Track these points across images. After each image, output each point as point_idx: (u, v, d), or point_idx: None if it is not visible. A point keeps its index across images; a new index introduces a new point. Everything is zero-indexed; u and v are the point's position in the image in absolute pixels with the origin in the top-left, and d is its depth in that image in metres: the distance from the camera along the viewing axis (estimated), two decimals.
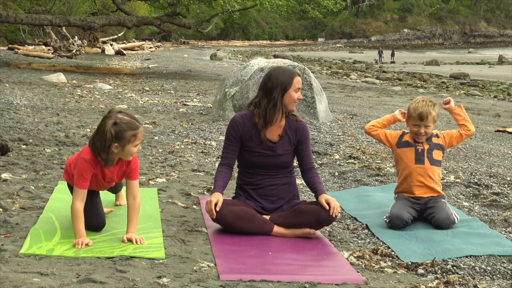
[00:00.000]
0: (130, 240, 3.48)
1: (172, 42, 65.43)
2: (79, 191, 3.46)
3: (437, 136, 4.35)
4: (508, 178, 5.71)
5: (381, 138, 4.43)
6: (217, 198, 3.76)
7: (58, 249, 3.29)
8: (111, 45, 35.86)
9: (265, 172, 3.98)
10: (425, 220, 4.25)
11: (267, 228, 3.83)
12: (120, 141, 3.40)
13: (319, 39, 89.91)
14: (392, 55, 43.77)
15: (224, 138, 4.08)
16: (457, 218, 4.18)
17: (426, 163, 4.25)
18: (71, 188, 3.69)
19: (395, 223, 4.08)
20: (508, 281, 3.27)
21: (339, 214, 3.92)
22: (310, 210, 3.81)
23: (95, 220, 3.65)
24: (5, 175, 4.81)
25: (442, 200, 4.26)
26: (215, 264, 3.25)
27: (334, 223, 4.17)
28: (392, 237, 3.94)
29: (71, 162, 3.72)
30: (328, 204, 3.75)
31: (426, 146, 4.28)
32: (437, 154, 4.30)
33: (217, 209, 3.72)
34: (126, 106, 9.97)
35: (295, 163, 4.28)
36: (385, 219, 4.19)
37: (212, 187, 4.94)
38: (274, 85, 3.85)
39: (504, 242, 3.84)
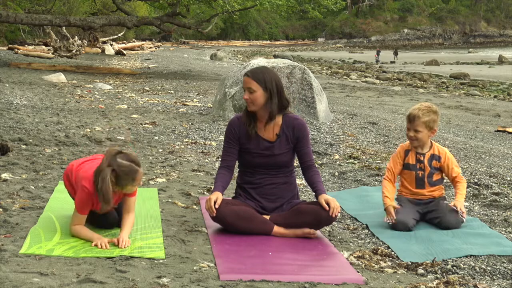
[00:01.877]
0: (117, 242, 3.41)
1: (172, 42, 65.41)
2: (79, 217, 3.53)
3: (439, 159, 4.26)
4: (508, 178, 5.71)
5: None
6: (216, 196, 3.77)
7: (58, 249, 3.29)
8: (111, 45, 35.86)
9: (265, 172, 3.99)
10: (427, 222, 4.24)
11: (267, 228, 3.83)
12: (119, 185, 3.44)
13: (319, 39, 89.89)
14: (396, 54, 43.77)
15: (223, 140, 4.09)
16: (465, 218, 4.19)
17: (426, 187, 4.26)
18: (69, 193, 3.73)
19: (399, 229, 4.06)
20: (508, 281, 3.27)
21: (339, 214, 3.92)
22: (310, 210, 3.81)
23: (108, 218, 3.67)
24: (5, 175, 4.81)
25: (444, 202, 4.26)
26: (215, 264, 3.25)
27: (334, 223, 4.16)
28: (392, 237, 3.94)
29: (73, 170, 3.69)
30: (328, 204, 3.75)
31: (427, 171, 4.24)
32: (436, 176, 4.29)
33: (216, 206, 3.72)
34: (126, 106, 9.97)
35: (296, 162, 4.28)
36: (388, 221, 4.16)
37: (212, 187, 4.96)
38: None
39: (504, 242, 3.84)
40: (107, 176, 3.36)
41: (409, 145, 4.32)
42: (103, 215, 3.67)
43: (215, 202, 3.73)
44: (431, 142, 4.32)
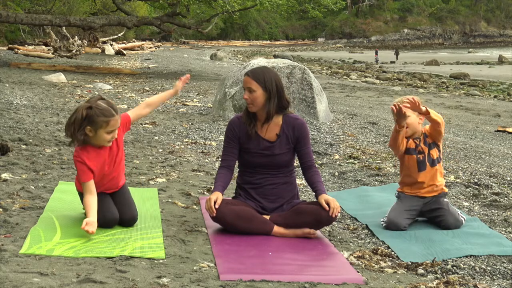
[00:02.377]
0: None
1: (172, 42, 65.39)
2: (85, 185, 3.68)
3: (427, 135, 4.33)
4: (508, 178, 5.71)
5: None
6: (216, 196, 3.77)
7: (58, 249, 3.29)
8: (111, 45, 35.85)
9: (265, 172, 3.99)
10: (428, 220, 4.25)
11: (267, 228, 3.83)
12: (92, 125, 3.59)
13: (319, 39, 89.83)
14: (397, 54, 43.76)
15: (223, 140, 4.09)
16: (464, 219, 4.21)
17: (427, 168, 4.26)
18: (81, 194, 3.84)
19: (391, 229, 4.09)
20: (508, 281, 3.27)
21: (339, 214, 3.92)
22: (310, 210, 3.81)
23: (106, 215, 3.70)
24: (5, 175, 4.80)
25: (445, 200, 4.26)
26: (215, 264, 3.25)
27: (334, 223, 4.17)
28: (392, 237, 3.94)
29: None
30: (328, 204, 3.75)
31: (426, 151, 4.28)
32: (434, 153, 4.29)
33: (216, 206, 3.72)
34: (126, 106, 9.97)
35: (296, 162, 4.28)
36: (382, 222, 4.19)
37: (212, 187, 4.96)
38: None
39: (504, 242, 3.84)
40: (81, 109, 3.59)
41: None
42: (102, 214, 3.68)
43: (215, 202, 3.74)
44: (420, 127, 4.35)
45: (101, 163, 3.74)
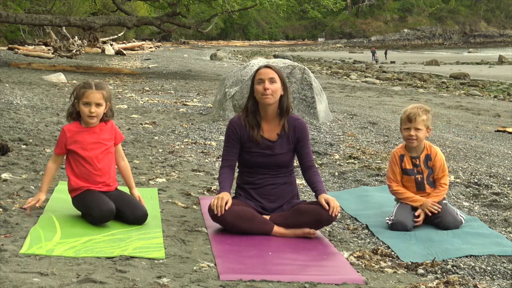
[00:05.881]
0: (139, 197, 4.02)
1: (172, 42, 65.39)
2: (53, 155, 4.04)
3: (430, 158, 4.26)
4: (508, 178, 5.71)
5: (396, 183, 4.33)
6: (228, 197, 3.77)
7: (58, 249, 3.29)
8: (111, 45, 35.85)
9: (265, 172, 3.99)
10: (429, 222, 4.24)
11: (267, 228, 3.83)
12: (76, 98, 3.88)
13: (319, 39, 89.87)
14: (385, 53, 44.06)
15: (223, 140, 4.08)
16: (464, 218, 4.20)
17: (427, 189, 4.25)
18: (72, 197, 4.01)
19: (397, 229, 4.07)
20: (508, 281, 3.27)
21: (339, 214, 3.92)
22: (310, 210, 3.81)
23: (103, 207, 3.73)
24: (5, 175, 4.80)
25: (443, 201, 4.26)
26: (215, 264, 3.25)
27: (334, 223, 4.16)
28: (392, 237, 3.94)
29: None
30: (328, 204, 3.75)
31: (425, 173, 4.24)
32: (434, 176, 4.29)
33: (226, 208, 3.72)
34: (126, 106, 9.98)
35: (296, 162, 4.28)
36: (387, 221, 4.17)
37: (214, 187, 4.96)
38: (252, 80, 4.01)
39: (504, 242, 3.84)
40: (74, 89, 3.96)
41: (402, 150, 4.32)
42: (98, 207, 3.72)
43: (226, 202, 3.73)
44: (423, 142, 4.32)
45: (82, 140, 3.88)
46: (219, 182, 3.97)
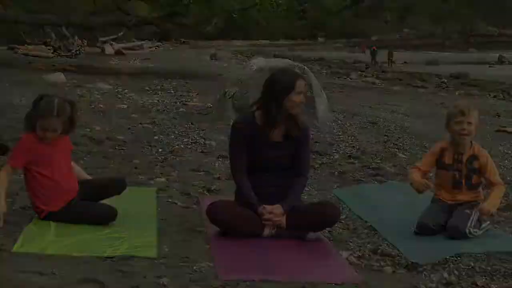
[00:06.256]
0: None
1: (172, 42, 65.37)
2: (6, 165, 3.86)
3: (477, 158, 4.07)
4: (508, 178, 5.71)
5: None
6: (273, 207, 3.76)
7: (51, 247, 3.29)
8: (111, 44, 35.81)
9: (267, 173, 3.95)
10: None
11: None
12: (36, 117, 3.74)
13: (319, 39, 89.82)
14: (373, 53, 43.28)
15: (230, 144, 4.00)
16: (474, 234, 3.88)
17: (463, 189, 4.06)
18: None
19: (423, 233, 3.93)
20: (508, 281, 3.27)
21: (341, 215, 3.91)
22: (311, 211, 3.81)
23: (104, 208, 3.77)
24: None
25: (468, 211, 3.96)
26: (215, 264, 3.24)
27: None
28: (393, 236, 3.93)
29: None
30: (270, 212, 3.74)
31: (465, 171, 4.04)
32: (476, 179, 4.08)
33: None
34: (126, 106, 9.97)
35: None
36: (415, 226, 3.98)
37: (214, 187, 4.95)
38: (277, 88, 3.81)
39: (505, 241, 3.85)
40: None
41: (446, 144, 4.16)
42: (101, 210, 3.73)
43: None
44: (471, 142, 4.14)
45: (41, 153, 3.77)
46: (245, 194, 3.85)
